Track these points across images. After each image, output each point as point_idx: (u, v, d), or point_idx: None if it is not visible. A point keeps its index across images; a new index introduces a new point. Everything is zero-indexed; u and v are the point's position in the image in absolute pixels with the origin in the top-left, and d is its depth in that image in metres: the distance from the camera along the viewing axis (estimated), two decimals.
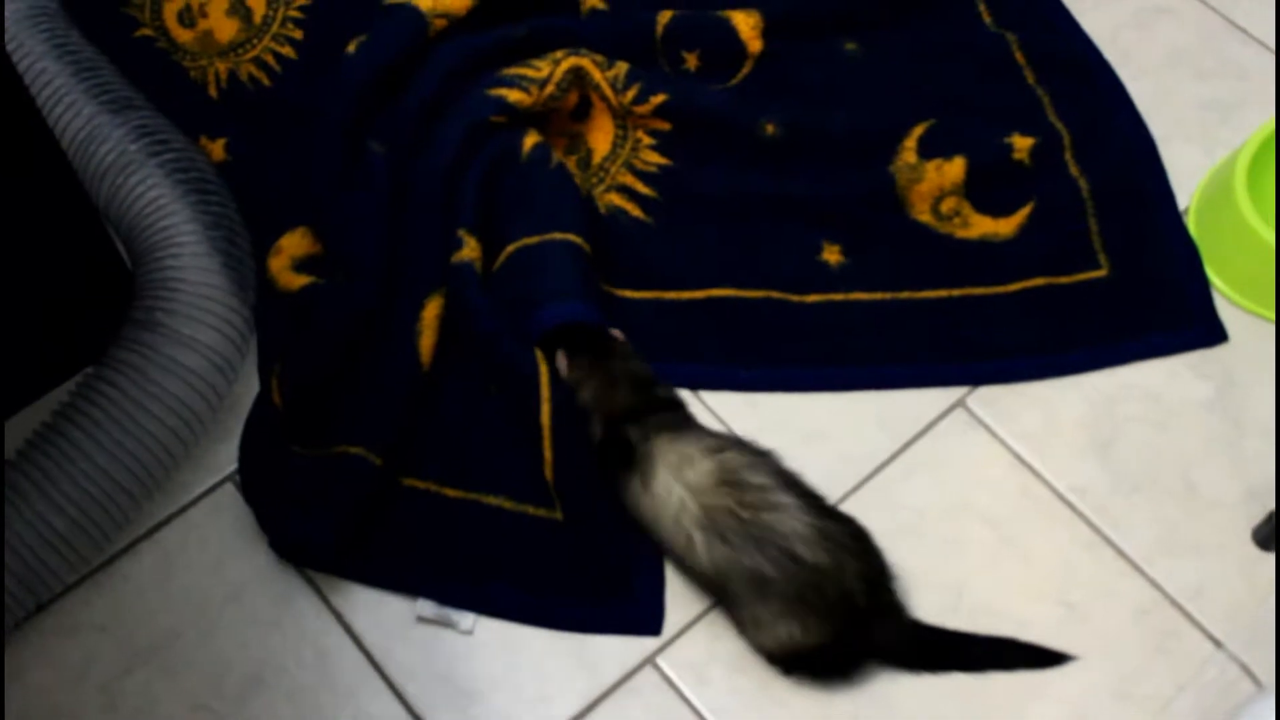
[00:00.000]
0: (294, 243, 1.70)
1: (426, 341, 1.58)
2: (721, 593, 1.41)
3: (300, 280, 1.66)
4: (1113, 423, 1.58)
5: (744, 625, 1.41)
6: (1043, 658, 1.43)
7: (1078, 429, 1.58)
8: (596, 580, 1.46)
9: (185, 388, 1.49)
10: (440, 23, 1.80)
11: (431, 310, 1.59)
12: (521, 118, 1.74)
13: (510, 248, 1.63)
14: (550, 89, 1.75)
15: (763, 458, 1.42)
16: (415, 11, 1.80)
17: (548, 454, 1.49)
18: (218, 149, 1.78)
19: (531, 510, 1.50)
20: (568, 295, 1.57)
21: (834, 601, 1.34)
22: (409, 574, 1.48)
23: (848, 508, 1.50)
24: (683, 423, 1.48)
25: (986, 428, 1.58)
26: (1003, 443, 1.57)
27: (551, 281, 1.59)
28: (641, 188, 1.76)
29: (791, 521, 1.35)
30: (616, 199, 1.74)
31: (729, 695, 1.42)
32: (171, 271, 1.55)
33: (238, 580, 1.49)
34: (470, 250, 1.61)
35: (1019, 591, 1.48)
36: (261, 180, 1.75)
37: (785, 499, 1.36)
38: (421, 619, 1.46)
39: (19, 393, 1.58)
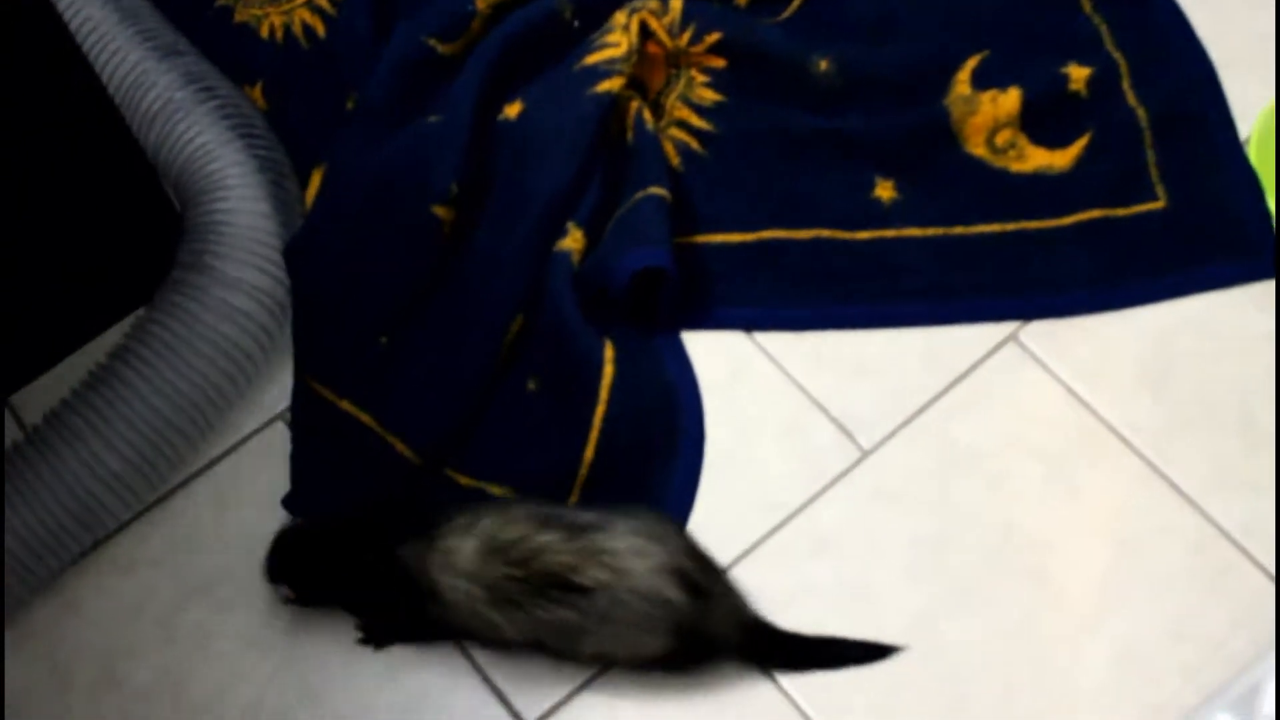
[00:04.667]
0: None
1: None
2: (549, 649, 1.39)
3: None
4: (1168, 357, 1.55)
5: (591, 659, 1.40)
6: (870, 652, 1.40)
7: (1133, 363, 1.55)
8: None
9: (235, 329, 1.51)
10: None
11: (517, 324, 1.58)
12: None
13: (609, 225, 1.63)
14: (634, 57, 1.73)
15: (518, 507, 1.37)
16: None
17: (589, 454, 1.49)
18: (257, 94, 1.78)
19: None
20: (649, 243, 1.55)
21: (645, 607, 1.31)
22: None
23: (897, 442, 1.51)
24: (427, 524, 1.40)
25: (1039, 362, 1.56)
26: (1055, 377, 1.55)
27: (634, 232, 1.58)
28: (698, 121, 1.74)
29: (558, 556, 1.31)
30: (677, 133, 1.73)
31: None
32: (220, 214, 1.56)
33: (288, 517, 1.51)
34: (573, 241, 1.60)
35: (1070, 528, 1.46)
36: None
37: (545, 537, 1.32)
38: None
39: (72, 335, 1.61)
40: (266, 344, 1.55)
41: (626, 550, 1.31)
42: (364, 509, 1.48)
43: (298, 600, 1.43)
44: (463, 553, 1.34)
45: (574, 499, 1.48)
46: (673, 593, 1.31)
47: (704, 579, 1.34)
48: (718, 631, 1.36)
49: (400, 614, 1.42)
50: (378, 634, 1.43)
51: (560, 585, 1.30)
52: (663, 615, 1.31)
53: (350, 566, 1.41)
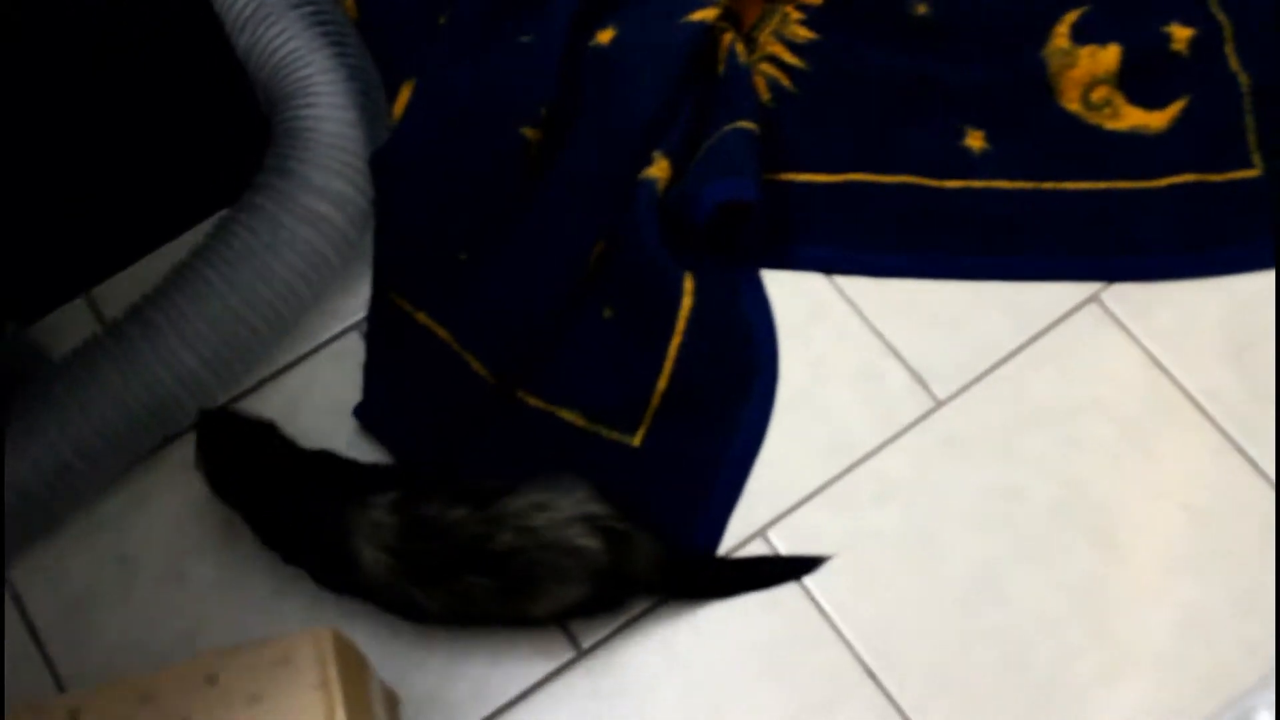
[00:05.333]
0: None
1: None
2: (471, 619, 1.40)
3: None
4: (1252, 328, 1.53)
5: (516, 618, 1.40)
6: (799, 566, 1.42)
7: (1215, 332, 1.53)
8: (661, 508, 1.45)
9: (316, 234, 1.51)
10: None
11: (597, 250, 1.58)
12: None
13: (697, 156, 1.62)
14: None
15: (437, 484, 1.38)
16: None
17: (662, 384, 1.49)
18: (349, 3, 1.77)
19: (605, 432, 1.50)
20: (736, 175, 1.54)
21: (558, 559, 1.32)
22: (475, 472, 1.48)
23: (971, 395, 1.49)
24: (354, 485, 1.40)
25: (1120, 325, 1.54)
26: (1136, 341, 1.53)
27: (722, 164, 1.57)
28: (790, 58, 1.72)
29: (471, 529, 1.32)
30: (768, 69, 1.71)
31: None
32: (307, 121, 1.56)
33: (357, 426, 1.52)
34: (659, 170, 1.59)
35: (1140, 492, 1.45)
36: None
37: (456, 513, 1.32)
38: None
39: (155, 232, 1.62)
40: (346, 252, 1.55)
41: (530, 508, 1.32)
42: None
43: (211, 487, 1.44)
44: (386, 527, 1.34)
45: (645, 428, 1.49)
46: (584, 540, 1.32)
47: (617, 523, 1.35)
48: (637, 572, 1.37)
49: (319, 565, 1.42)
50: (272, 541, 1.44)
51: (475, 556, 1.32)
52: (574, 564, 1.33)
53: (260, 472, 1.41)
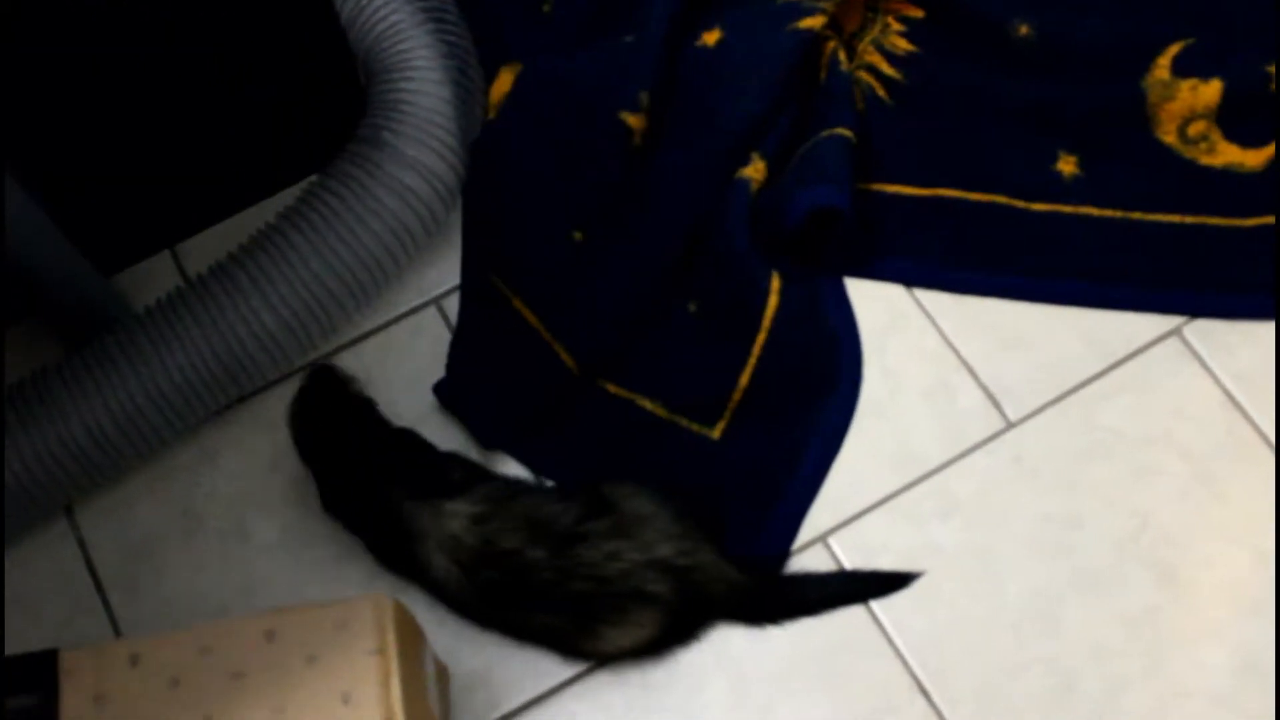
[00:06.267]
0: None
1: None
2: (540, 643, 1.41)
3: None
4: None
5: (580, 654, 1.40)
6: (891, 582, 1.41)
7: None
8: (736, 504, 1.46)
9: (404, 207, 1.52)
10: None
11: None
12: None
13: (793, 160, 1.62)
14: None
15: (516, 501, 1.38)
16: None
17: (744, 380, 1.50)
18: None
19: (684, 423, 1.51)
20: (828, 182, 1.55)
21: (628, 605, 1.34)
22: (552, 456, 1.51)
23: (1043, 418, 1.49)
24: (437, 480, 1.41)
25: (1200, 360, 1.52)
26: (1215, 378, 1.51)
27: (816, 169, 1.57)
28: (887, 69, 1.71)
29: (547, 574, 1.33)
30: (865, 78, 1.71)
31: None
32: (403, 94, 1.57)
33: (430, 401, 1.53)
34: (754, 170, 1.60)
35: (1208, 530, 1.43)
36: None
37: (534, 554, 1.33)
38: None
39: (245, 193, 1.64)
40: (431, 227, 1.56)
41: (603, 559, 1.33)
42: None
43: (293, 441, 1.45)
44: (464, 544, 1.36)
45: (725, 422, 1.50)
46: (654, 587, 1.33)
47: (687, 558, 1.35)
48: (709, 605, 1.38)
49: (385, 551, 1.44)
50: (336, 509, 1.45)
51: (546, 598, 1.34)
52: (643, 610, 1.34)
53: (347, 447, 1.42)
